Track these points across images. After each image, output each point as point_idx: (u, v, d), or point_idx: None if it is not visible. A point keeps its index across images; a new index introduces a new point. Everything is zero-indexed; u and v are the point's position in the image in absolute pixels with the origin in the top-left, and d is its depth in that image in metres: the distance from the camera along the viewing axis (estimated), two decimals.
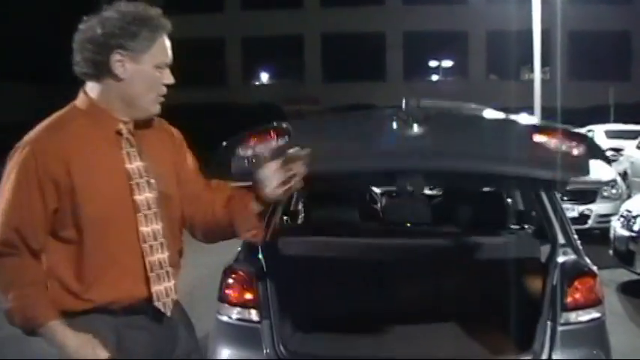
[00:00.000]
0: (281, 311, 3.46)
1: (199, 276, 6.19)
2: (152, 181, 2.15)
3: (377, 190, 6.75)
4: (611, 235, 7.56)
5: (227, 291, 3.47)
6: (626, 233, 7.12)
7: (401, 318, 4.17)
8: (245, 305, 3.41)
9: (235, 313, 3.43)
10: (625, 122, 18.17)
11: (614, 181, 9.92)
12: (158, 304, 2.14)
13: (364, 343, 3.69)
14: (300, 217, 5.14)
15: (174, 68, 2.22)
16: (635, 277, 7.09)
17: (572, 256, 3.52)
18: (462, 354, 3.53)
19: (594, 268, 3.49)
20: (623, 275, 7.34)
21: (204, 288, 5.23)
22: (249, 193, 2.27)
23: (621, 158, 13.53)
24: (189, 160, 2.34)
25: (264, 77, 36.65)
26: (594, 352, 3.28)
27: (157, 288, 2.13)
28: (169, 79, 2.18)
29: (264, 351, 3.32)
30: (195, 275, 6.10)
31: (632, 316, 6.39)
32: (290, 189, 2.24)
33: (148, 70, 2.13)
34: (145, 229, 2.12)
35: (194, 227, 2.33)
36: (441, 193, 6.32)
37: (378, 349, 3.61)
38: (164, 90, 2.19)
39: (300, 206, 5.13)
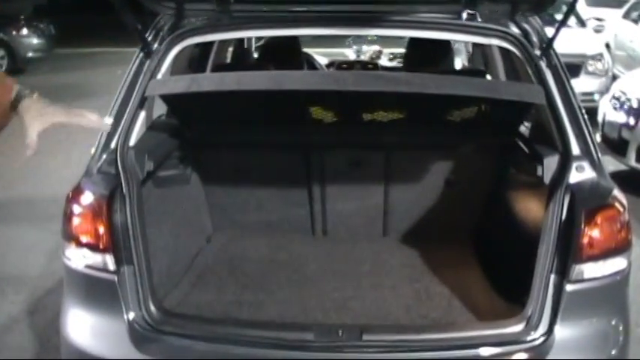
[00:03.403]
0: (152, 252, 2.31)
1: None
2: None
3: (322, 60, 5.48)
4: (600, 118, 6.55)
5: (71, 224, 2.27)
6: (620, 119, 6.10)
7: (332, 255, 3.05)
8: (95, 246, 2.23)
9: (82, 258, 2.25)
10: None
11: (601, 54, 8.84)
12: None
13: (272, 299, 2.60)
14: None
15: None
16: (623, 167, 6.19)
17: (592, 175, 2.34)
18: (412, 318, 2.43)
19: (621, 194, 2.35)
20: (610, 164, 6.39)
21: None
22: None
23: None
24: None
25: None
26: (613, 322, 2.19)
27: None
28: None
29: (126, 316, 2.18)
30: None
31: None
32: None
33: None
34: None
35: None
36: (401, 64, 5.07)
37: (299, 312, 2.51)
38: None
39: None
